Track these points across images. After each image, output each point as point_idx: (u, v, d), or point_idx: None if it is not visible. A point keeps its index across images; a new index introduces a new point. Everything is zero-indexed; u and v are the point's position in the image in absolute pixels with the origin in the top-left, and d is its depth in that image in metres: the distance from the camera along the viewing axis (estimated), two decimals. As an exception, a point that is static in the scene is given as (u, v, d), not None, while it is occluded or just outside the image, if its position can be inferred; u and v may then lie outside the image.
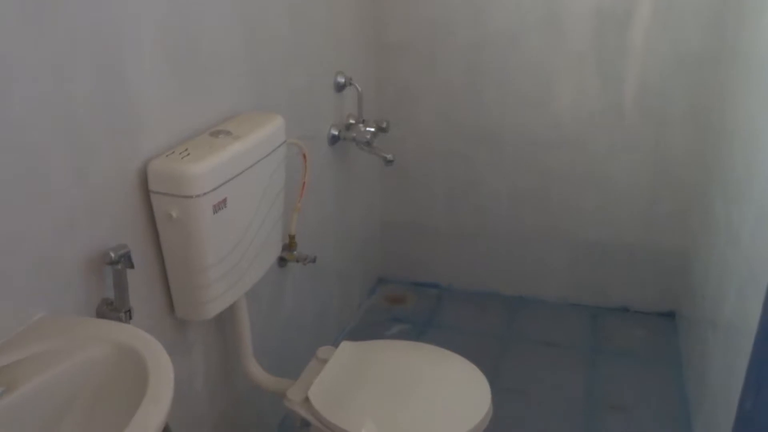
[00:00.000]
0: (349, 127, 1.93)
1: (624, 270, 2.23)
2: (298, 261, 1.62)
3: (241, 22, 1.35)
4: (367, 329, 2.23)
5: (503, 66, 2.07)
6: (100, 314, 1.02)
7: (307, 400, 1.29)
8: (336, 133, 1.88)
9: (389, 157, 1.94)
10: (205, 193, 1.09)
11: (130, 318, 1.03)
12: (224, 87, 1.32)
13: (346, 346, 1.45)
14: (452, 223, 2.35)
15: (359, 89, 1.91)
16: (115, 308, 1.02)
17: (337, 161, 1.94)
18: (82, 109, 0.94)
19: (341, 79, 1.87)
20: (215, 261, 1.16)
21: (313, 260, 1.64)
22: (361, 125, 1.92)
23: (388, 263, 2.50)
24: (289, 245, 1.60)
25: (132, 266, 1.02)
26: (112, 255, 0.99)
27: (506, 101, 2.12)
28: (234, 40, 1.33)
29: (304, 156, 1.57)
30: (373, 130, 1.92)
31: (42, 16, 0.85)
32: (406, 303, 2.41)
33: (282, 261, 1.62)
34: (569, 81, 2.04)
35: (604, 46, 1.96)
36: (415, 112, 2.22)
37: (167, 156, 1.11)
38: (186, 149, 1.13)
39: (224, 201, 1.15)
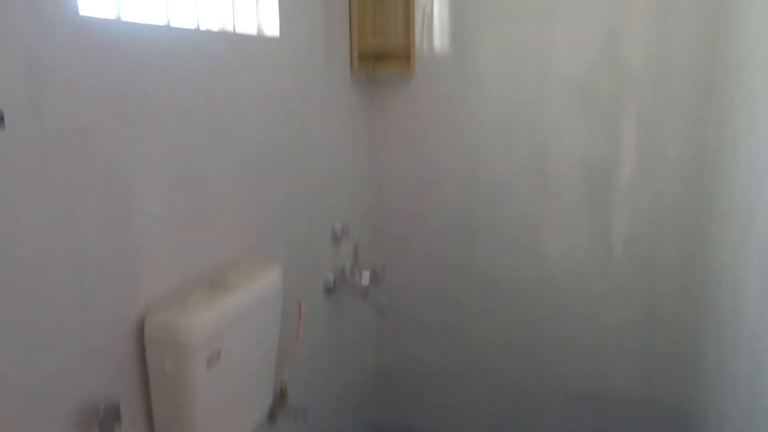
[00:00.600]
0: (344, 275, 1.98)
1: (622, 421, 2.17)
2: (289, 413, 1.58)
3: (244, 171, 1.44)
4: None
5: (493, 214, 2.17)
6: (83, 473, 0.99)
7: None
8: (332, 281, 1.92)
9: (383, 305, 1.97)
10: (199, 346, 1.11)
11: (113, 477, 1.00)
12: (225, 235, 1.38)
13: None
14: (444, 369, 2.32)
15: (356, 239, 1.98)
16: (99, 466, 0.99)
17: (331, 308, 1.96)
18: (85, 254, 0.98)
19: (338, 229, 1.95)
20: (206, 416, 1.15)
21: (305, 415, 1.60)
22: (356, 274, 1.97)
23: (380, 409, 2.42)
24: (281, 395, 1.57)
25: (119, 420, 1.01)
26: (102, 411, 0.98)
27: (497, 248, 2.19)
28: (237, 189, 1.41)
29: (299, 306, 1.59)
30: (368, 281, 1.96)
31: (55, 159, 0.92)
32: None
33: (272, 413, 1.58)
34: (559, 227, 2.12)
35: (591, 193, 2.07)
36: (409, 259, 2.28)
37: (164, 305, 1.13)
38: (183, 299, 1.16)
39: (218, 353, 1.16)
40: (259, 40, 1.52)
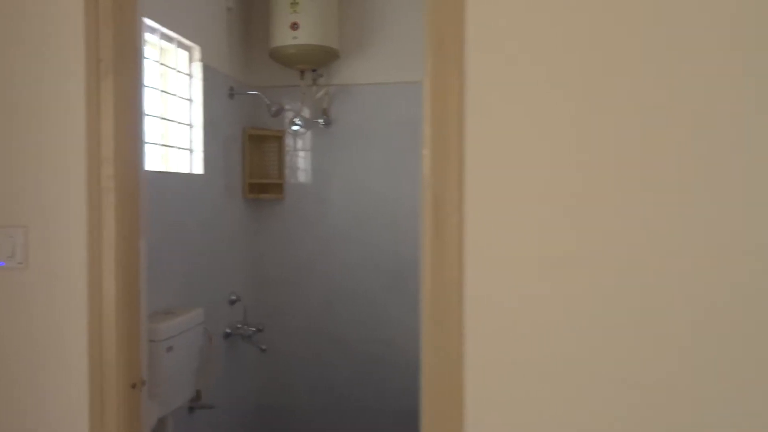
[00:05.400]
0: (237, 327, 2.94)
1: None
2: (202, 407, 2.47)
3: (182, 258, 2.43)
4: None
5: (343, 288, 3.26)
6: None
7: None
8: (229, 330, 2.87)
9: (263, 347, 2.94)
10: (163, 340, 2.05)
11: None
12: (171, 290, 2.34)
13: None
14: (314, 406, 3.27)
15: (245, 304, 2.96)
16: None
17: (229, 350, 2.90)
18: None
19: (234, 296, 2.93)
20: (164, 381, 2.06)
21: (212, 408, 2.50)
22: (245, 327, 2.94)
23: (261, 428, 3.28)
24: (197, 395, 2.47)
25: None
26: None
27: (348, 313, 3.25)
28: (180, 266, 2.40)
29: (210, 336, 2.55)
30: (253, 330, 2.94)
31: None
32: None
33: (191, 408, 2.46)
34: (387, 297, 3.24)
35: (403, 273, 3.23)
36: (284, 316, 3.28)
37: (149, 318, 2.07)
38: (155, 318, 2.11)
39: (172, 347, 2.10)
40: (191, 176, 2.58)
